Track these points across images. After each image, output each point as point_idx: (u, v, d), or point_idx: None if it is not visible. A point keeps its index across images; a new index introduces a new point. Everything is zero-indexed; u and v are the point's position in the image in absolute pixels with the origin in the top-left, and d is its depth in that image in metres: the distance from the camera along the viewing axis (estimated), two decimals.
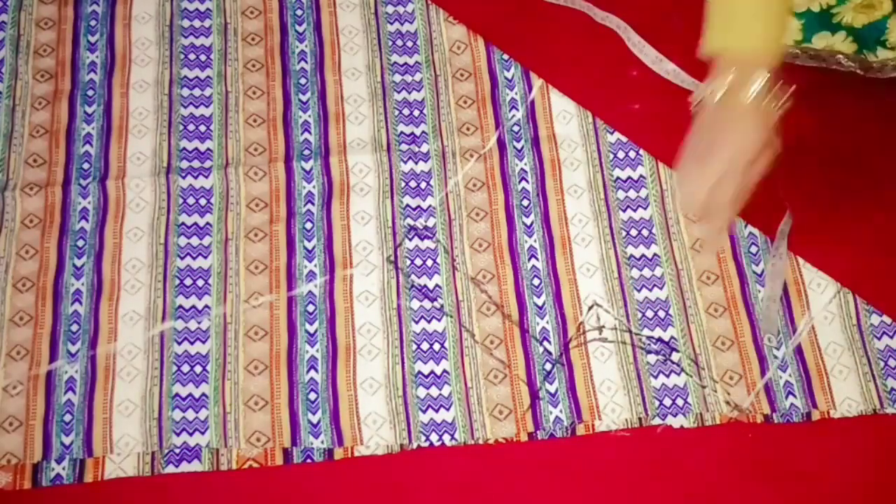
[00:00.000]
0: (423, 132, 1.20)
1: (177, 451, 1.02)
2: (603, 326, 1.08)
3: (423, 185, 1.16)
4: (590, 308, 1.09)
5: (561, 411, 1.04)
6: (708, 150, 0.96)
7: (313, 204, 1.15)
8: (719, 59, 0.95)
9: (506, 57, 1.24)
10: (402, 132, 1.20)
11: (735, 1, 0.95)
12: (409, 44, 1.26)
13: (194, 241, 1.13)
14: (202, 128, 1.20)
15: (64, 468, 1.01)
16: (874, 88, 1.18)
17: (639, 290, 1.09)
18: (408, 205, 1.15)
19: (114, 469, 1.01)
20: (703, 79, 1.20)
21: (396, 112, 1.21)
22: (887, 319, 1.07)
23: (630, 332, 1.08)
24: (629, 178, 1.16)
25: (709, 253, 1.05)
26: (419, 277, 1.11)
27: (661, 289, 1.10)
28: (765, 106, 0.95)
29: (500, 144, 1.19)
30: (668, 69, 1.21)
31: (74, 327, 1.08)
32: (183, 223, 1.14)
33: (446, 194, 1.16)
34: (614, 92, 1.22)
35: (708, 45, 0.95)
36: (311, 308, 1.09)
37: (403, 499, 1.00)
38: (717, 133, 0.95)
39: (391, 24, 1.27)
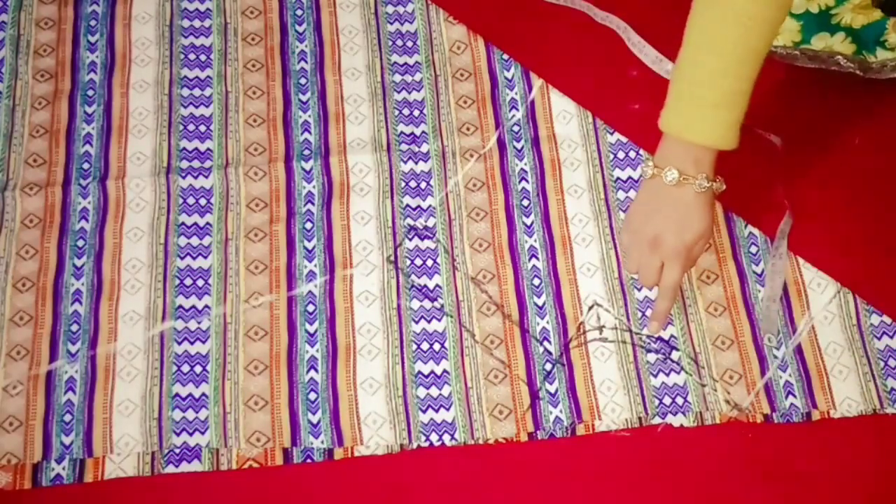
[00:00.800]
0: (423, 132, 1.20)
1: (177, 451, 1.02)
2: (603, 326, 1.08)
3: (423, 185, 1.16)
4: (590, 308, 1.09)
5: (561, 411, 1.04)
6: (644, 222, 1.00)
7: (313, 204, 1.15)
8: (668, 138, 0.98)
9: (506, 57, 1.24)
10: (402, 132, 1.20)
11: (694, 87, 0.96)
12: (409, 44, 1.26)
13: (194, 241, 1.13)
14: (202, 128, 1.20)
15: (64, 468, 1.01)
16: (873, 89, 1.18)
17: (639, 290, 1.09)
18: (408, 205, 1.15)
19: (114, 469, 1.01)
20: None
21: (396, 112, 1.21)
22: (887, 319, 1.07)
23: (630, 331, 1.08)
24: (629, 178, 1.16)
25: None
26: (419, 277, 1.11)
27: None
28: (701, 197, 0.98)
29: (500, 144, 1.19)
30: (668, 69, 1.21)
31: (74, 327, 1.08)
32: (183, 223, 1.14)
33: (446, 194, 1.16)
34: (614, 92, 1.22)
35: (662, 120, 0.98)
36: (311, 308, 1.09)
37: (403, 499, 1.00)
38: (658, 222, 0.99)
39: (391, 24, 1.27)
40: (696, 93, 0.95)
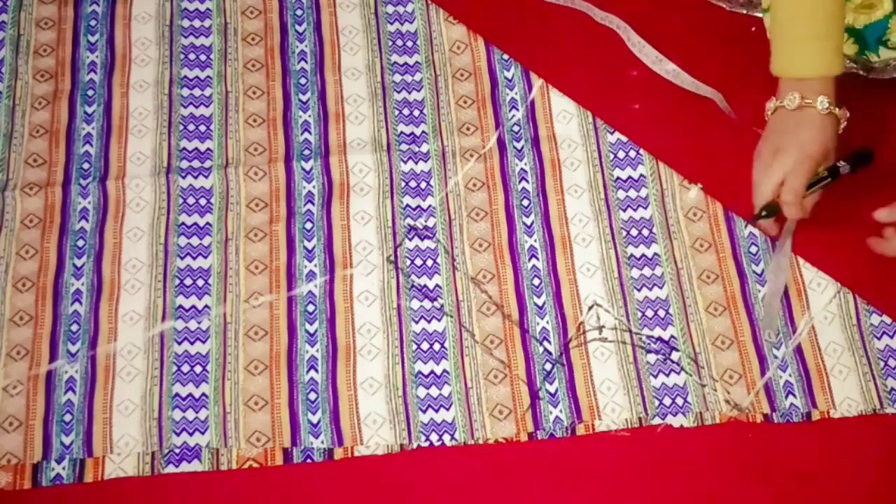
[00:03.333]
0: (423, 132, 1.20)
1: (177, 451, 1.02)
2: (603, 326, 1.08)
3: (423, 185, 1.16)
4: (590, 308, 1.09)
5: (561, 411, 1.04)
6: (773, 154, 1.06)
7: (313, 204, 1.15)
8: (782, 82, 1.06)
9: (506, 57, 1.24)
10: (402, 132, 1.20)
11: (791, 26, 1.05)
12: (409, 44, 1.26)
13: (194, 241, 1.13)
14: (202, 128, 1.20)
15: (64, 468, 1.01)
16: (876, 89, 1.18)
17: (639, 290, 1.09)
18: (408, 205, 1.15)
19: (114, 469, 1.01)
20: (703, 79, 1.21)
21: (396, 112, 1.21)
22: (887, 319, 1.07)
23: (630, 331, 1.07)
24: (629, 177, 1.16)
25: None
26: (419, 277, 1.11)
27: (661, 288, 1.10)
28: (825, 120, 1.05)
29: (500, 144, 1.19)
30: (668, 69, 1.21)
31: (74, 327, 1.08)
32: (183, 223, 1.14)
33: (446, 194, 1.16)
34: (614, 92, 1.22)
35: (773, 66, 1.07)
36: (311, 308, 1.09)
37: (403, 499, 1.00)
38: (782, 140, 1.05)
39: (391, 23, 1.27)
40: (793, 33, 1.05)
